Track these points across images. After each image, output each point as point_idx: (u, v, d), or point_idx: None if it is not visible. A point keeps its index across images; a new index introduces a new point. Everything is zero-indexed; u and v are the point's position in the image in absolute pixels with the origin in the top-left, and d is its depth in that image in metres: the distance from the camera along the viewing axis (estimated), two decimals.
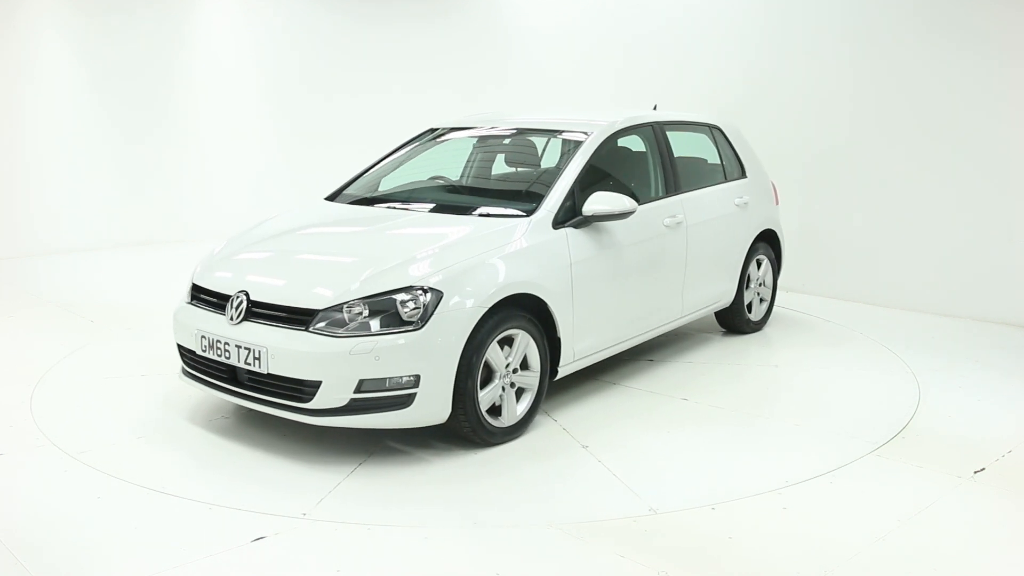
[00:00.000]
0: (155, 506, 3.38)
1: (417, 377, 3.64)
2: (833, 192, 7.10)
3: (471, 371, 3.76)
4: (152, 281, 7.67)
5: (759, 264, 5.93)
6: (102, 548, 3.07)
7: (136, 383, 4.83)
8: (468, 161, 5.46)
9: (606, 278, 4.50)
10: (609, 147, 4.86)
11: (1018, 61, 6.08)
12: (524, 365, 4.09)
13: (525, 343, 4.04)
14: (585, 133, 4.76)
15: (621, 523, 3.28)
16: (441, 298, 3.70)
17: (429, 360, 3.64)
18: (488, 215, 4.35)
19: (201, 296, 4.20)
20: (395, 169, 5.25)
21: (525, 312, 4.03)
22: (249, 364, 3.76)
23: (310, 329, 3.67)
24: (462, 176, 5.39)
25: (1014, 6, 6.06)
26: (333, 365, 3.58)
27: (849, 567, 2.97)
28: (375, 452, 3.91)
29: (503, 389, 3.98)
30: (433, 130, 5.47)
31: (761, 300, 6.03)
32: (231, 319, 3.88)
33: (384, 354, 3.59)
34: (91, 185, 9.17)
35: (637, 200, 4.49)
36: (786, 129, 7.18)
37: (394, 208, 4.71)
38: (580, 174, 4.50)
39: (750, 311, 5.90)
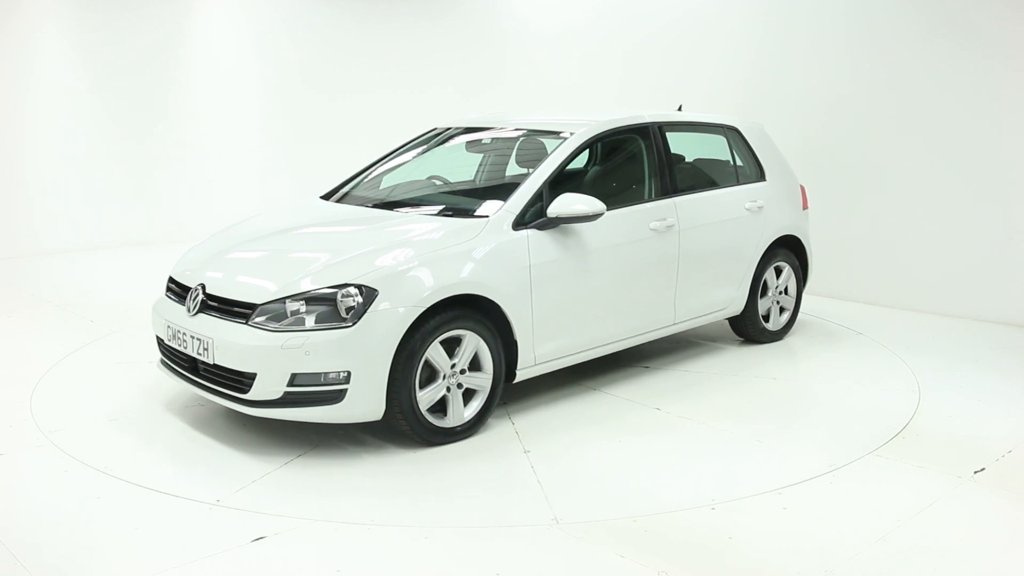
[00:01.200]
0: (155, 506, 3.38)
1: (349, 374, 3.67)
2: (832, 192, 7.08)
3: (409, 370, 3.77)
4: (152, 281, 7.64)
5: (779, 271, 5.71)
6: (102, 548, 3.07)
7: (135, 381, 4.82)
8: (473, 162, 5.44)
9: (573, 281, 4.38)
10: (596, 148, 4.78)
11: (1018, 63, 6.08)
12: (477, 367, 4.06)
13: (474, 344, 4.00)
14: (569, 133, 4.66)
15: (622, 523, 3.27)
16: (375, 296, 3.71)
17: (360, 357, 3.68)
18: (456, 215, 4.33)
19: (172, 288, 4.35)
20: (394, 169, 5.25)
21: (477, 313, 4.00)
22: (200, 354, 3.89)
23: (249, 323, 3.76)
24: (459, 177, 5.37)
25: (1019, 7, 6.06)
26: (266, 358, 3.67)
27: (849, 567, 2.97)
28: (320, 444, 3.95)
29: (448, 390, 3.96)
30: (433, 130, 5.48)
31: (782, 310, 5.78)
32: (188, 311, 4.01)
33: (315, 350, 3.64)
34: (91, 185, 9.17)
35: (607, 203, 4.34)
36: (785, 130, 7.16)
37: (380, 208, 4.69)
38: (552, 175, 4.40)
39: (767, 320, 5.68)
